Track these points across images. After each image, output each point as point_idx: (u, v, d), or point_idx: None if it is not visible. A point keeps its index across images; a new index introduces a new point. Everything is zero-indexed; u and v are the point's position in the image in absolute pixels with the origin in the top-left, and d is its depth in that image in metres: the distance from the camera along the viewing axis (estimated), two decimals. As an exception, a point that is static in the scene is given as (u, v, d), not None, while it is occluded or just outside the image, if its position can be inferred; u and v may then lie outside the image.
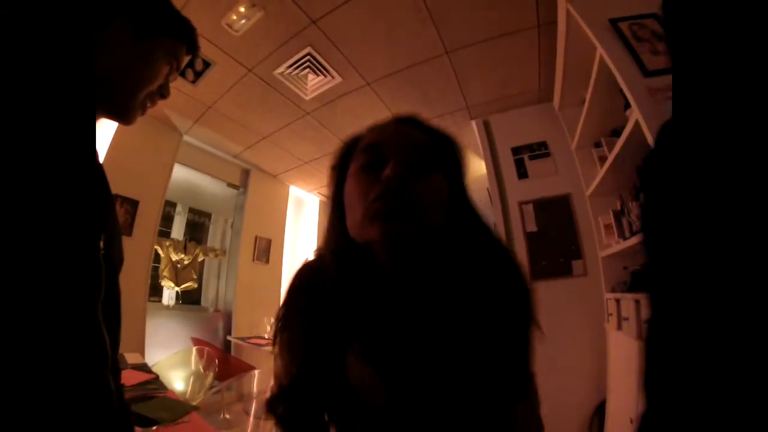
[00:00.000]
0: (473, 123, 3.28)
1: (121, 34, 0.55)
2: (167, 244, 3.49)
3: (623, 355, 1.86)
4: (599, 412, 2.21)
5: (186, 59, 0.68)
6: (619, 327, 1.84)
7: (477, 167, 4.19)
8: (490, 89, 2.88)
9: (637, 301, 1.61)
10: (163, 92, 0.64)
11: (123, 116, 0.60)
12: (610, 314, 2.03)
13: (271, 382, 0.60)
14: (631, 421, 1.63)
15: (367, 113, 3.19)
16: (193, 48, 0.69)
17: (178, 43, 0.63)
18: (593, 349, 2.33)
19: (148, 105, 0.63)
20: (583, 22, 1.60)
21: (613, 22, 1.49)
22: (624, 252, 1.89)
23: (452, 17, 2.17)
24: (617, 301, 1.89)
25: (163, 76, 0.62)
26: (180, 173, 3.68)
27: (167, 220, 3.68)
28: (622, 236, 1.89)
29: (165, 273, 3.44)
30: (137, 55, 0.57)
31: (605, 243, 2.19)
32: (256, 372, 2.46)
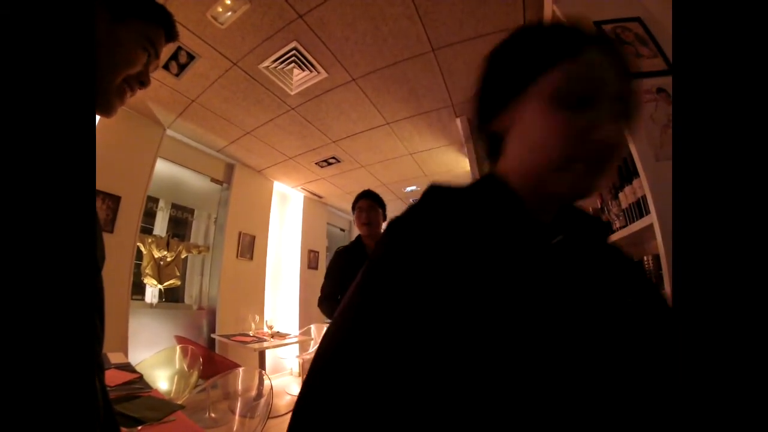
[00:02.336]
0: (458, 121, 3.30)
1: (96, 17, 0.54)
2: (150, 240, 3.42)
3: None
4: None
5: (164, 45, 0.66)
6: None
7: (462, 164, 4.24)
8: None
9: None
10: (142, 79, 0.62)
11: (101, 104, 0.58)
12: (591, 309, 2.08)
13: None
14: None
15: (352, 109, 3.19)
16: (171, 34, 0.67)
17: (153, 28, 0.62)
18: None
19: (127, 93, 0.61)
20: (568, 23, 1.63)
21: (598, 25, 1.52)
22: (604, 248, 1.94)
23: (439, 14, 2.17)
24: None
25: (140, 63, 0.61)
26: (163, 168, 3.61)
27: (149, 216, 3.61)
28: (603, 233, 1.94)
29: (147, 270, 3.38)
30: (112, 37, 0.56)
31: (586, 239, 2.25)
32: (241, 370, 2.44)
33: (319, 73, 2.69)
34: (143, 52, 0.60)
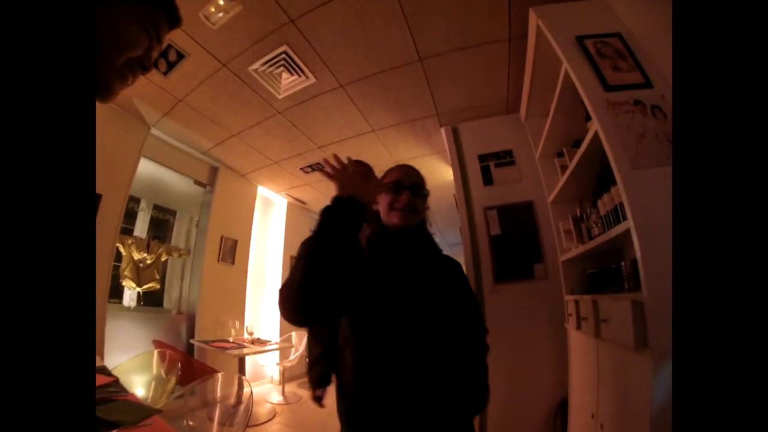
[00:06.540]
0: (442, 130, 3.37)
1: None
2: (129, 242, 3.34)
3: (582, 353, 1.96)
4: (562, 408, 2.31)
5: (166, 30, 0.65)
6: (578, 327, 1.94)
7: (445, 173, 4.30)
8: (460, 98, 2.98)
9: (595, 302, 1.71)
10: (144, 63, 0.60)
11: (101, 88, 0.56)
12: (570, 315, 2.13)
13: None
14: (593, 416, 1.72)
15: (339, 115, 3.22)
16: (173, 19, 0.65)
17: (152, 11, 0.60)
18: (555, 348, 2.44)
19: (129, 77, 0.59)
20: (551, 37, 1.70)
21: (580, 39, 1.59)
22: (582, 256, 2.00)
23: (428, 25, 2.23)
24: (576, 302, 1.99)
25: (142, 46, 0.59)
26: (146, 168, 3.54)
27: (130, 216, 3.53)
28: (581, 241, 2.00)
29: (126, 273, 3.29)
30: (114, 18, 0.54)
31: (565, 247, 2.31)
32: (220, 376, 2.39)
33: (307, 77, 2.71)
34: (145, 34, 0.59)
